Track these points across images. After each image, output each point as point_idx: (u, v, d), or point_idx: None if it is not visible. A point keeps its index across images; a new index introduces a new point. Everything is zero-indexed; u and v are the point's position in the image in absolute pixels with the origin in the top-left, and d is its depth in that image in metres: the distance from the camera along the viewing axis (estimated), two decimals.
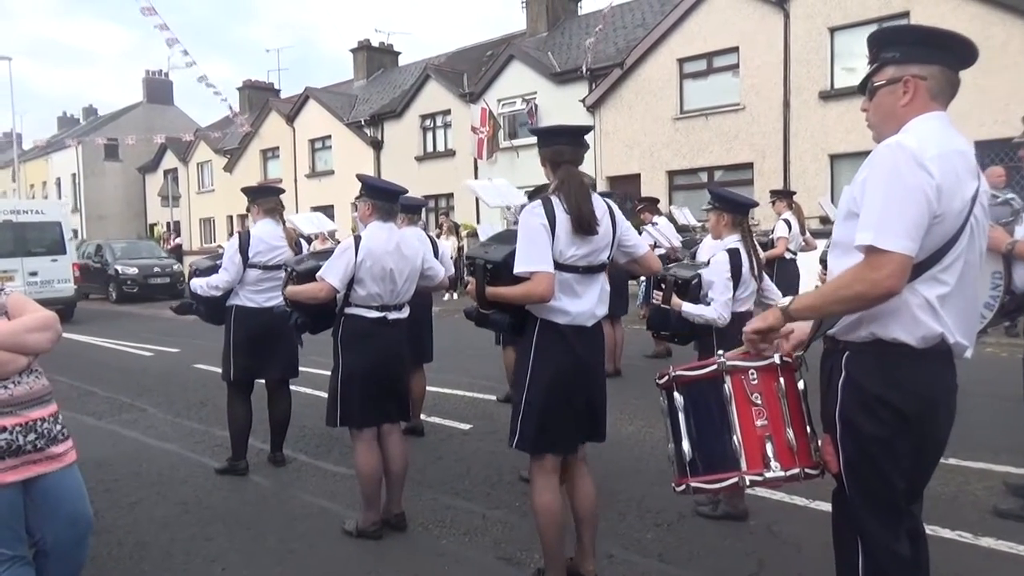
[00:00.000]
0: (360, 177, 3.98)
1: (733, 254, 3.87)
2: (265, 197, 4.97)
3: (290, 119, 27.77)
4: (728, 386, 2.30)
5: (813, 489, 4.17)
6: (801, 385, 2.33)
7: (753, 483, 2.28)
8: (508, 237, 3.17)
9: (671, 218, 10.72)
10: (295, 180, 27.58)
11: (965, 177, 1.98)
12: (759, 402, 2.29)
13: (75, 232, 38.19)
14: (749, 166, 16.27)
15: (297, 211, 26.88)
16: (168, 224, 31.16)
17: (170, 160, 34.94)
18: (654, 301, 4.23)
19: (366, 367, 3.71)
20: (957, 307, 2.01)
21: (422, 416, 5.81)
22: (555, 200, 2.88)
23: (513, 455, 4.59)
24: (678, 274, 4.02)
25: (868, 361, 2.03)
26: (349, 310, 3.75)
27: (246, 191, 5.10)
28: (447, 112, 22.71)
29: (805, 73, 15.21)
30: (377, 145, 24.75)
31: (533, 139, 19.07)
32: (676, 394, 2.43)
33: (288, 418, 5.10)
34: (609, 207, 3.04)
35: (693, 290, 3.92)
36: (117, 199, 38.12)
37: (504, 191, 6.70)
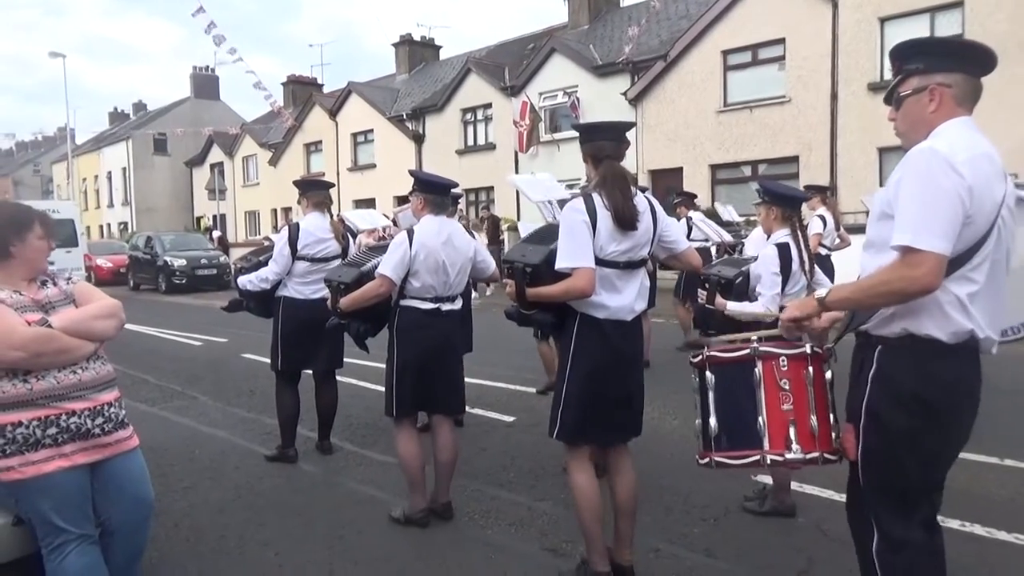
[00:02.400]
0: (413, 172, 4.06)
1: (782, 248, 3.81)
2: (315, 191, 5.07)
3: (333, 113, 28.12)
4: (759, 370, 2.40)
5: None
6: (828, 375, 2.42)
7: (774, 463, 2.41)
8: (544, 236, 3.21)
9: (713, 213, 10.63)
10: (337, 173, 27.93)
11: (994, 180, 2.06)
12: (787, 387, 2.39)
13: (125, 224, 39.43)
14: (794, 159, 16.01)
15: (340, 204, 27.24)
16: (214, 217, 31.83)
17: (216, 154, 35.64)
18: (699, 301, 4.21)
19: (419, 358, 3.78)
20: (985, 304, 2.09)
21: (466, 408, 5.84)
22: (596, 196, 2.91)
23: (557, 447, 4.59)
24: (722, 273, 3.98)
25: (901, 356, 2.11)
26: (404, 302, 3.81)
27: (298, 184, 5.21)
28: (488, 106, 22.78)
29: (854, 64, 14.90)
30: (418, 139, 24.94)
31: (574, 133, 19.05)
32: (708, 373, 2.52)
33: (335, 407, 5.18)
34: (650, 203, 3.06)
35: (739, 288, 3.88)
36: (165, 192, 39.04)
37: (547, 185, 6.68)
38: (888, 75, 14.39)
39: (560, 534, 3.72)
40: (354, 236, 5.76)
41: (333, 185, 5.51)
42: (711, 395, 2.51)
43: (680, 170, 17.79)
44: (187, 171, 38.40)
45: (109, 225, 42.24)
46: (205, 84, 41.69)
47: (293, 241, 4.79)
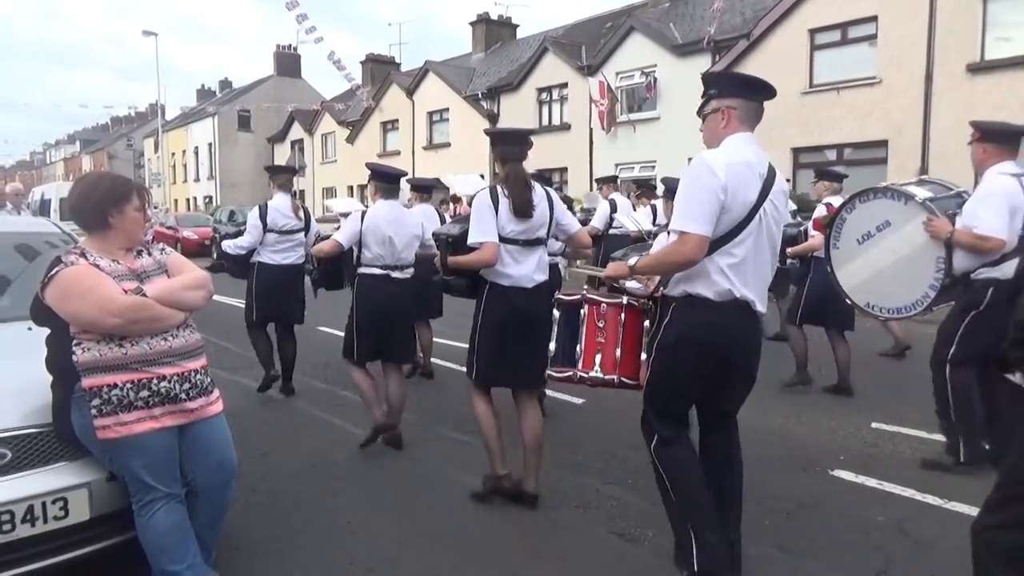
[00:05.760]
0: (368, 165, 4.99)
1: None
2: (281, 175, 6.19)
3: (410, 92, 28.38)
4: (584, 311, 3.29)
5: (949, 489, 3.97)
6: (647, 323, 3.16)
7: (581, 379, 3.28)
8: (464, 220, 3.88)
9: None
10: (413, 152, 28.24)
11: (750, 182, 2.78)
12: (602, 326, 3.23)
13: (210, 198, 40.90)
14: (883, 144, 15.32)
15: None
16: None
17: (297, 131, 36.51)
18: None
19: (373, 315, 4.66)
20: (746, 273, 2.81)
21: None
22: (499, 189, 3.69)
23: (627, 430, 4.60)
24: (626, 256, 4.37)
25: (684, 309, 2.86)
26: (361, 269, 4.72)
27: (268, 168, 6.51)
28: (564, 85, 22.57)
29: (952, 44, 14.10)
30: (493, 118, 24.93)
31: (650, 114, 18.59)
32: (555, 311, 3.42)
33: (295, 356, 6.24)
34: (548, 194, 3.82)
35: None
36: (247, 168, 40.26)
37: (474, 183, 7.49)
38: (990, 55, 13.65)
39: (628, 519, 3.71)
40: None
41: (297, 171, 6.50)
42: (555, 327, 3.41)
43: None
44: (269, 147, 39.48)
45: (195, 198, 43.92)
46: (287, 62, 42.66)
47: (263, 217, 5.88)
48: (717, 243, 2.73)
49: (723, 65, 17.76)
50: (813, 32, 16.38)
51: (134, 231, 2.77)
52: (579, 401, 5.90)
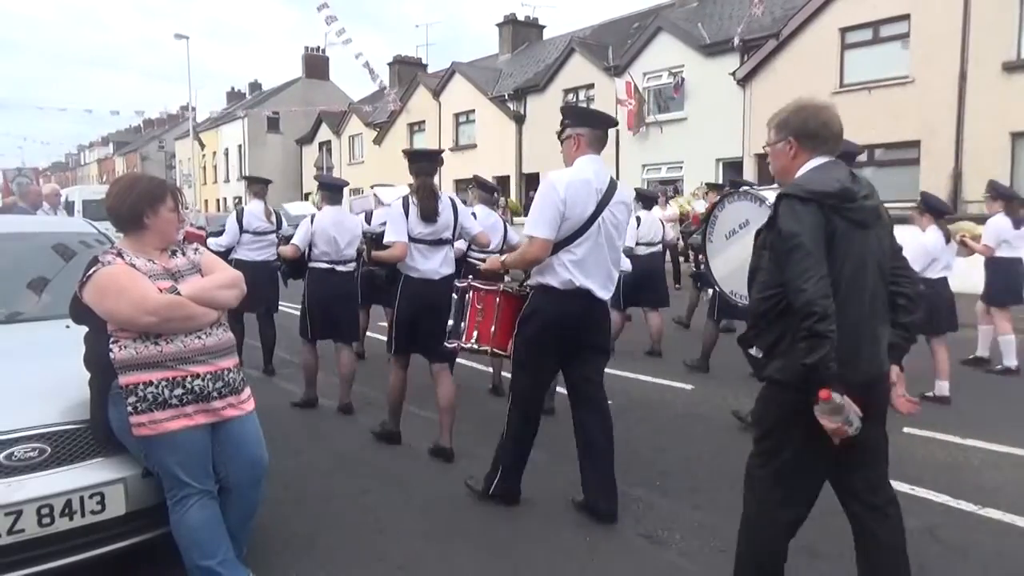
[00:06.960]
0: (316, 177, 6.25)
1: None
2: (256, 184, 7.10)
3: (436, 93, 28.50)
4: (468, 296, 4.00)
5: (982, 495, 3.91)
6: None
7: (461, 348, 4.05)
8: None
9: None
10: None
11: (589, 196, 3.47)
12: (480, 307, 3.94)
13: (239, 199, 41.36)
14: (915, 144, 15.10)
15: (441, 184, 27.62)
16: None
17: (324, 133, 36.79)
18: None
19: (319, 300, 5.60)
20: (586, 268, 3.51)
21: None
22: (411, 197, 4.54)
23: (649, 433, 4.63)
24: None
25: (538, 295, 3.61)
26: (311, 264, 5.63)
27: (246, 178, 7.55)
28: (590, 86, 22.53)
29: (987, 42, 13.85)
30: (519, 119, 24.97)
31: (677, 115, 18.50)
32: (454, 295, 4.12)
33: (274, 341, 7.14)
34: (452, 202, 4.67)
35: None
36: (276, 169, 40.55)
37: (397, 193, 7.97)
38: None
39: (655, 521, 3.70)
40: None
41: (271, 181, 7.50)
42: (452, 310, 4.11)
43: None
44: (297, 149, 39.85)
45: (225, 199, 44.47)
46: (316, 65, 43.00)
47: (240, 220, 6.80)
48: (562, 244, 3.45)
49: (752, 65, 17.63)
50: (844, 31, 16.19)
51: (168, 231, 2.82)
52: None
